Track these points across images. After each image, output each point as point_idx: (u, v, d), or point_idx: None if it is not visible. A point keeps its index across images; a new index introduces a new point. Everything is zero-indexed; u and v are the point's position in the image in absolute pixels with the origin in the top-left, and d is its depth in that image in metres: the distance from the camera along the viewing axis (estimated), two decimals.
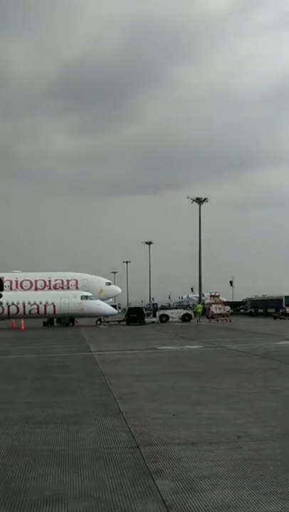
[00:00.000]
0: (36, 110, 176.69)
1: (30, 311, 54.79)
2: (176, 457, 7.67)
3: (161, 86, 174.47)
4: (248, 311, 79.72)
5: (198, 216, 73.23)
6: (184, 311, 64.09)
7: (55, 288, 61.09)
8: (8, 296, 55.00)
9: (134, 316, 57.03)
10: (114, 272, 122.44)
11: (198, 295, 77.47)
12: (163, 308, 66.43)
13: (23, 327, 49.85)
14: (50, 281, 62.16)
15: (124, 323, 56.87)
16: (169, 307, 71.47)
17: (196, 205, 73.34)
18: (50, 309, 54.59)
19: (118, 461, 7.58)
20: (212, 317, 61.49)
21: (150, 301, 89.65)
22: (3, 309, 54.70)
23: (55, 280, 62.13)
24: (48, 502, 6.11)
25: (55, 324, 58.31)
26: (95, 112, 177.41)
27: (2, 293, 54.34)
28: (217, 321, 59.46)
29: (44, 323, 58.24)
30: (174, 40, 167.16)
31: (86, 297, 54.71)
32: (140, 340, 32.18)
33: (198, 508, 5.85)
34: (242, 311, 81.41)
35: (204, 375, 16.03)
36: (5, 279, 58.75)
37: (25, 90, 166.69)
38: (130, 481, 6.73)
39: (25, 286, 61.63)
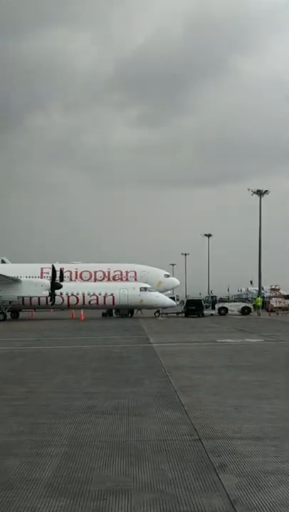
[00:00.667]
0: (98, 102, 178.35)
1: (89, 302, 55.27)
2: (240, 452, 7.58)
3: (223, 77, 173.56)
4: None
5: (258, 208, 72.33)
6: (243, 304, 63.52)
7: (114, 279, 61.45)
8: (68, 287, 55.60)
9: (193, 308, 56.91)
10: (173, 264, 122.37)
11: (257, 288, 76.64)
12: (222, 300, 65.98)
13: (82, 317, 50.33)
14: (109, 272, 62.56)
15: (183, 315, 56.84)
16: (227, 300, 70.92)
17: (256, 197, 72.44)
18: (109, 300, 54.94)
19: (181, 453, 7.54)
20: (272, 310, 60.82)
21: (208, 293, 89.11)
22: (63, 300, 55.33)
23: (115, 271, 62.47)
24: (111, 493, 6.12)
25: (114, 315, 58.71)
26: (156, 104, 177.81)
27: (62, 283, 54.96)
28: (277, 314, 58.79)
29: (103, 314, 58.72)
30: (236, 31, 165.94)
31: (145, 289, 54.82)
32: (199, 333, 32.06)
33: (263, 505, 5.76)
34: None
35: (265, 369, 15.83)
36: (65, 270, 59.41)
37: (88, 82, 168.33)
38: (194, 475, 6.68)
39: (85, 277, 62.20)
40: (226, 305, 62.00)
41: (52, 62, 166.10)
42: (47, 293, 53.14)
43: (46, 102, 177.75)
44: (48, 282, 53.82)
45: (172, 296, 70.84)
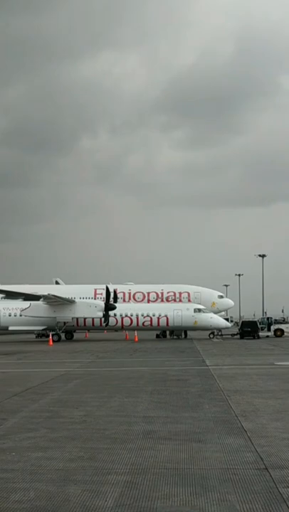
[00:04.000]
0: (145, 124, 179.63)
1: (143, 323, 55.01)
2: None
3: (271, 96, 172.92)
4: None
5: None
6: None
7: (167, 300, 61.20)
8: (122, 308, 55.59)
9: (249, 329, 56.07)
10: (226, 285, 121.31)
11: None
12: (277, 322, 64.86)
13: (136, 339, 50.14)
14: (162, 293, 62.36)
15: (238, 336, 56.07)
16: (283, 321, 69.74)
17: None
18: (163, 321, 54.59)
19: (247, 483, 7.20)
20: None
21: (263, 314, 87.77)
22: (116, 321, 55.27)
23: (168, 292, 62.24)
24: None
25: (168, 337, 58.30)
26: (203, 125, 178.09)
27: (116, 304, 55.00)
28: None
29: (157, 336, 58.37)
30: (285, 50, 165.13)
31: (199, 310, 54.28)
32: (256, 355, 31.43)
33: None
34: None
35: None
36: (118, 291, 59.50)
37: (135, 104, 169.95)
38: (263, 507, 6.34)
39: (138, 298, 62.15)
40: (282, 326, 60.86)
41: (100, 85, 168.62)
42: (101, 314, 53.19)
43: (94, 124, 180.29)
44: (102, 303, 53.89)
45: (226, 317, 70.10)
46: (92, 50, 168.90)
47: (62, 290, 58.81)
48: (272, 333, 58.71)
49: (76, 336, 59.03)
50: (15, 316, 53.75)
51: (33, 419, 11.95)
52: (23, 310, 53.32)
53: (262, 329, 59.55)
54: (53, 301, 52.75)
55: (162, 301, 61.37)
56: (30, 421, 11.71)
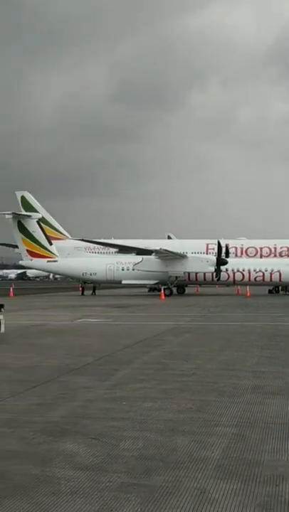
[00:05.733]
0: (257, 76, 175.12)
1: (255, 278, 54.54)
2: None
3: None
4: None
5: None
6: None
7: (280, 255, 60.18)
8: (234, 263, 55.30)
9: None
10: None
11: None
12: None
13: (248, 294, 49.90)
14: (275, 248, 61.36)
15: None
16: None
17: None
18: (275, 277, 53.87)
19: None
20: None
21: None
22: (228, 276, 55.10)
23: (281, 248, 61.15)
24: (285, 479, 5.82)
25: (281, 292, 57.56)
26: None
27: (228, 259, 54.77)
28: None
29: (269, 291, 57.76)
30: None
31: None
32: None
33: None
34: None
35: None
36: (230, 246, 59.15)
37: (247, 56, 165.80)
38: None
39: (251, 253, 61.50)
40: None
41: (211, 38, 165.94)
42: (213, 269, 53.21)
43: (205, 78, 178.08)
44: (213, 258, 53.86)
45: None
46: (203, 2, 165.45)
47: (174, 245, 59.21)
48: None
49: (187, 290, 59.50)
50: (127, 270, 54.86)
51: (143, 370, 12.23)
52: (135, 264, 54.25)
53: None
54: (165, 255, 53.25)
55: (275, 256, 60.43)
56: (141, 372, 11.99)
